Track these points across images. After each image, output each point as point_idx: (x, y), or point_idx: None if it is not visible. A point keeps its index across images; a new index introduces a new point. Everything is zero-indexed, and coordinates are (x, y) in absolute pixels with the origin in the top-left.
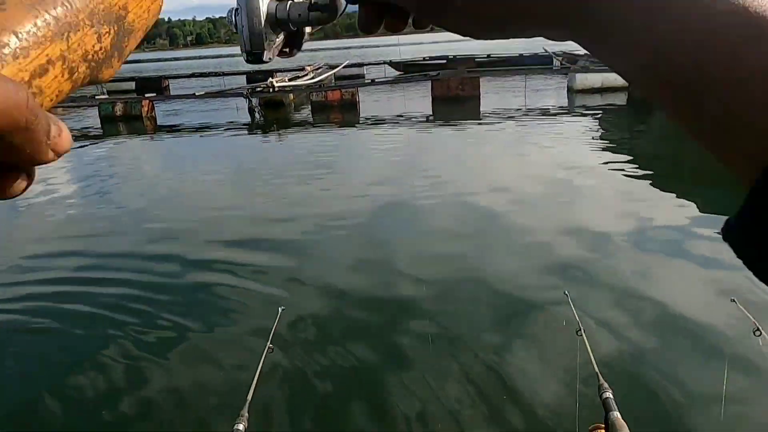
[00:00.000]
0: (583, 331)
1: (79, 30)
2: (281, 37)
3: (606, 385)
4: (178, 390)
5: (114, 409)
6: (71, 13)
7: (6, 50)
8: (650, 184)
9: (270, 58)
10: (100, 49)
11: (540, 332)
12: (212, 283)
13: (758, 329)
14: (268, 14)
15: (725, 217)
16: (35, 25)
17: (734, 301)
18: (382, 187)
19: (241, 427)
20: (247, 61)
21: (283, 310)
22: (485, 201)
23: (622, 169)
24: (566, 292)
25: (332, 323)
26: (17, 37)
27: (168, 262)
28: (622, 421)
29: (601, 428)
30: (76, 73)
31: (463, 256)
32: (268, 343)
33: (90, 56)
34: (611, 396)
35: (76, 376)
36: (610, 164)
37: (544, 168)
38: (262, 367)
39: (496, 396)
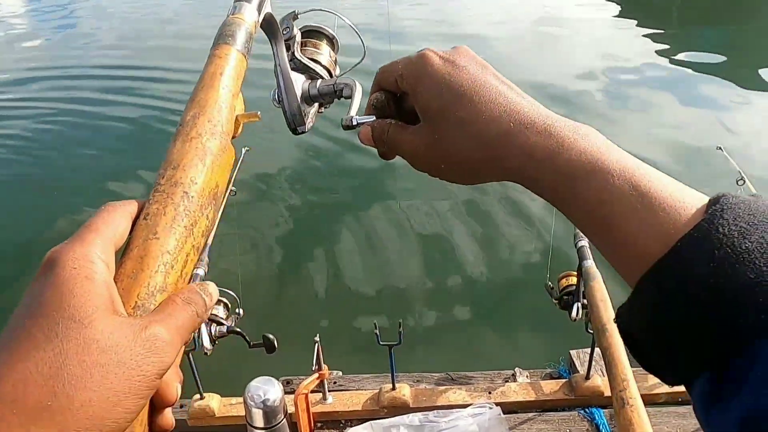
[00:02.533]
0: None
1: (197, 223)
2: (315, 107)
3: (581, 233)
4: None
5: None
6: (191, 216)
7: (167, 265)
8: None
9: (308, 129)
10: (209, 221)
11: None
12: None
13: (742, 178)
14: (302, 94)
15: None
16: (176, 239)
17: (720, 149)
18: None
19: (200, 271)
20: (293, 133)
21: (246, 151)
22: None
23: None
24: None
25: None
26: (170, 254)
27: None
28: (596, 269)
29: (572, 275)
30: (200, 247)
31: None
32: (230, 185)
33: (205, 231)
34: (586, 244)
35: None
36: None
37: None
38: (223, 210)
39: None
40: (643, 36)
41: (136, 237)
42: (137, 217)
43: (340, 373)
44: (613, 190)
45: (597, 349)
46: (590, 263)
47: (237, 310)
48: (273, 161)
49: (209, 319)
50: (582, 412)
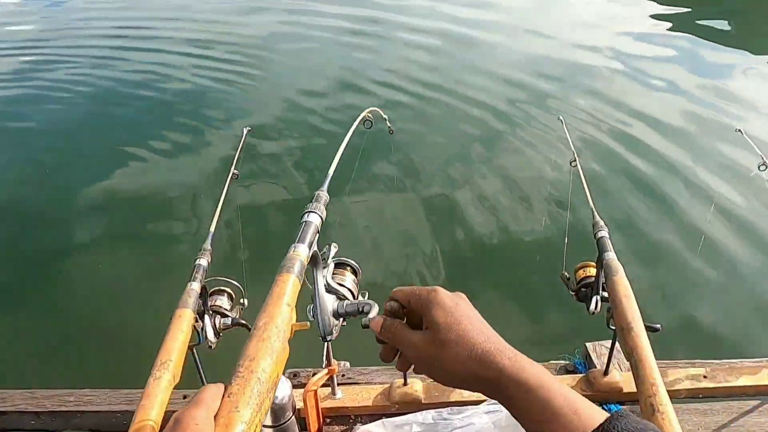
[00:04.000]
0: (578, 161)
1: (264, 402)
2: (340, 321)
3: (602, 223)
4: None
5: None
6: (260, 397)
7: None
8: None
9: (334, 337)
10: (270, 401)
11: (532, 158)
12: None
13: (764, 163)
14: (332, 311)
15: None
16: (250, 412)
17: (740, 131)
18: None
19: (203, 261)
20: (322, 341)
21: (249, 131)
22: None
23: None
24: (560, 118)
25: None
26: (245, 423)
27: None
28: (618, 262)
29: (590, 266)
30: (263, 420)
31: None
32: (233, 168)
33: (266, 409)
34: (606, 235)
35: None
36: None
37: None
38: (225, 195)
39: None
40: (656, 14)
41: (223, 409)
42: (224, 393)
43: (348, 365)
44: (551, 399)
45: (616, 344)
46: (612, 255)
47: (242, 301)
48: (278, 148)
49: (213, 311)
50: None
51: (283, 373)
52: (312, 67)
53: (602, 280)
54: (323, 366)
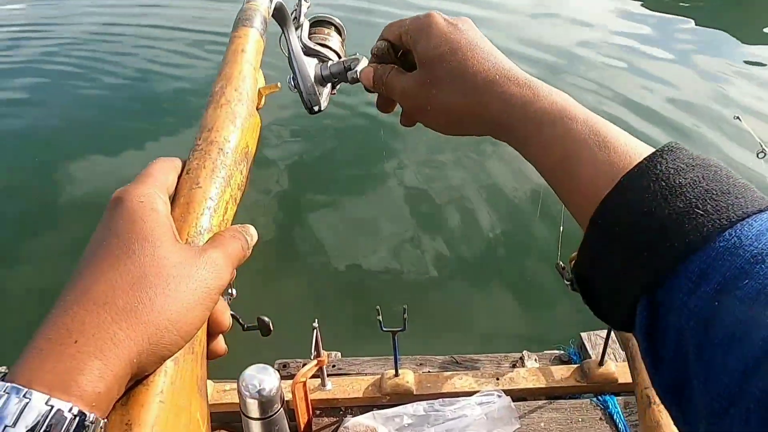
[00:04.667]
0: None
1: (233, 176)
2: (328, 87)
3: None
4: None
5: None
6: (228, 170)
7: (211, 209)
8: None
9: (323, 107)
10: (243, 177)
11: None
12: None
13: (762, 150)
14: (315, 76)
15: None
16: (216, 187)
17: (738, 118)
18: None
19: None
20: (309, 113)
21: None
22: None
23: None
24: None
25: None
26: (212, 200)
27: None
28: None
29: None
30: (237, 199)
31: None
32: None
33: (240, 185)
34: None
35: None
36: None
37: None
38: None
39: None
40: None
41: (182, 187)
42: (181, 173)
43: (339, 355)
44: (576, 135)
45: (611, 334)
46: None
47: (230, 291)
48: (267, 135)
49: None
50: (595, 399)
51: (272, 365)
52: None
53: None
54: (312, 357)
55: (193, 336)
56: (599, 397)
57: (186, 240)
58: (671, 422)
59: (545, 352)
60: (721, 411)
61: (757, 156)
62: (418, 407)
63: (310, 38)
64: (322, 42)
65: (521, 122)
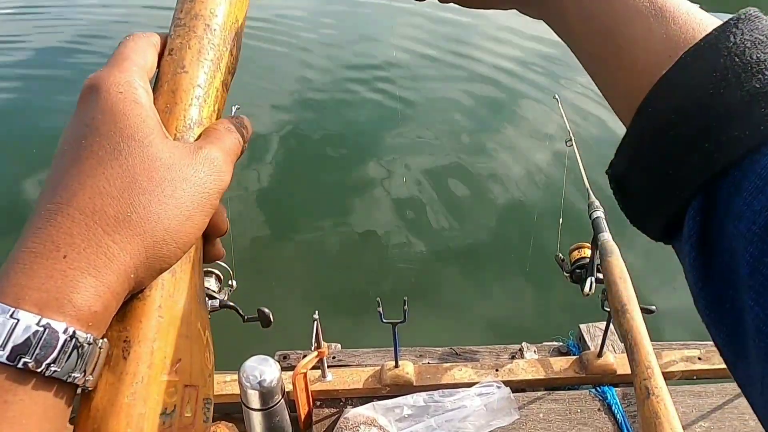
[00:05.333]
0: (573, 141)
1: (223, 58)
2: None
3: (597, 203)
4: None
5: None
6: (216, 50)
7: (200, 99)
8: None
9: None
10: (233, 58)
11: (527, 138)
12: None
13: None
14: None
15: None
16: (204, 72)
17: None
18: None
19: None
20: None
21: (237, 108)
22: None
23: None
24: (556, 96)
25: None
26: (201, 87)
27: None
28: (613, 243)
29: (585, 247)
30: (228, 84)
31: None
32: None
33: (230, 67)
34: (602, 215)
35: None
36: None
37: None
38: None
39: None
40: None
41: (164, 72)
42: (161, 53)
43: (339, 346)
44: (626, 1)
45: (610, 326)
46: (607, 236)
47: (230, 283)
48: (265, 122)
49: None
50: (593, 390)
51: (273, 356)
52: (298, 45)
53: (597, 261)
54: (313, 348)
55: (192, 245)
56: (598, 388)
57: (174, 135)
58: (669, 413)
59: (544, 343)
60: None
61: None
62: (418, 398)
63: None
64: None
65: None
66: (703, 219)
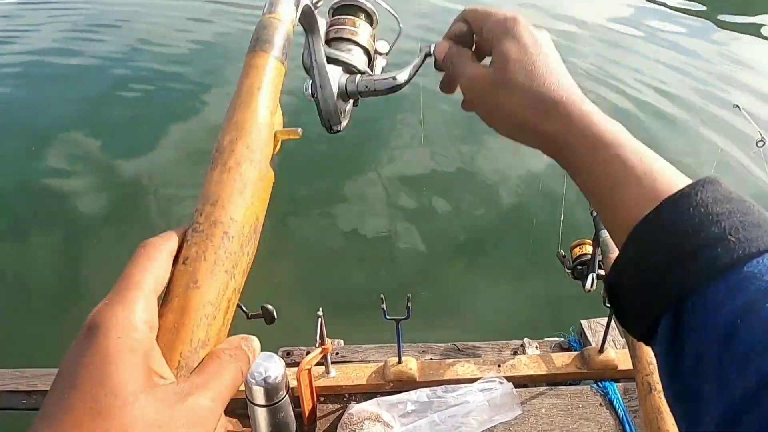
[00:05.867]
0: None
1: (239, 263)
2: (350, 104)
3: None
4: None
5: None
6: (233, 258)
7: (209, 317)
8: None
9: (343, 127)
10: (249, 258)
11: None
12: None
13: (762, 139)
14: (339, 91)
15: None
16: (217, 286)
17: (738, 107)
18: None
19: None
20: (328, 132)
21: None
22: None
23: None
24: None
25: None
26: (212, 305)
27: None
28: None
29: (587, 244)
30: (240, 288)
31: None
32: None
33: (245, 270)
34: None
35: None
36: None
37: None
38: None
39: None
40: None
41: (176, 284)
42: (177, 257)
43: (342, 342)
44: (625, 160)
45: (611, 321)
46: (607, 234)
47: None
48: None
49: None
50: (594, 386)
51: (276, 352)
52: None
53: (598, 257)
54: (317, 345)
55: None
56: (599, 384)
57: (178, 362)
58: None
59: (546, 339)
60: (735, 418)
61: (756, 145)
62: (421, 394)
63: (335, 27)
64: (350, 37)
65: (577, 144)
66: (674, 327)
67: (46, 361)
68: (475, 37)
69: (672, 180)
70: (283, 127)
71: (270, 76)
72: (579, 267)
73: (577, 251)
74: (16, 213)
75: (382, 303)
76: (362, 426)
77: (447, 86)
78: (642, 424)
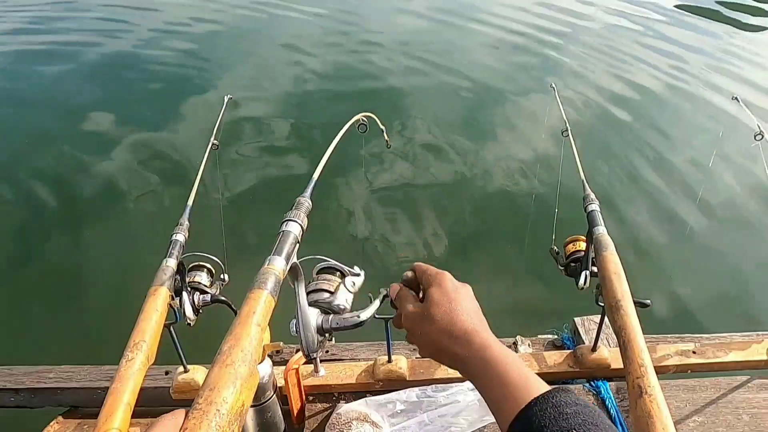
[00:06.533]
0: (570, 132)
1: None
2: (326, 336)
3: (593, 196)
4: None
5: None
6: (221, 429)
7: None
8: None
9: (317, 354)
10: None
11: (522, 129)
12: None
13: (760, 132)
14: (317, 327)
15: None
16: None
17: (736, 99)
18: None
19: (180, 237)
20: (306, 359)
21: (230, 98)
22: None
23: None
24: (552, 86)
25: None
26: None
27: None
28: (608, 237)
29: (580, 240)
30: None
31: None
32: (212, 138)
33: None
34: (597, 209)
35: None
36: None
37: None
38: (204, 167)
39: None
40: None
41: None
42: (181, 428)
43: (332, 341)
44: (508, 374)
45: (605, 320)
46: (602, 230)
47: (222, 276)
48: (258, 114)
49: (192, 288)
50: (587, 385)
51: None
52: (293, 35)
53: (592, 255)
54: None
55: None
56: (592, 383)
57: None
58: (662, 413)
59: (539, 336)
60: None
61: (755, 138)
62: (411, 393)
63: (317, 282)
64: (326, 288)
65: (476, 364)
66: None
67: (35, 359)
68: (419, 283)
69: (537, 388)
70: (271, 341)
71: (262, 305)
72: (572, 264)
73: (571, 248)
74: None
75: (371, 302)
76: (350, 426)
77: (397, 322)
78: (632, 428)
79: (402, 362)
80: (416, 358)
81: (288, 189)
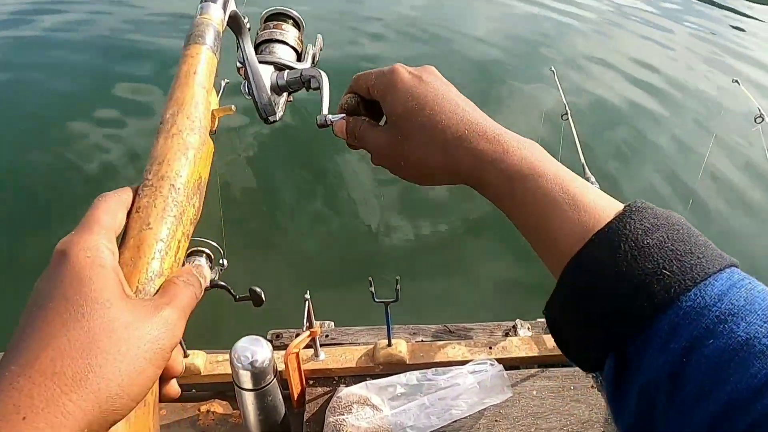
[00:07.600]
0: (570, 115)
1: (186, 212)
2: (284, 96)
3: (593, 179)
4: None
5: None
6: (180, 207)
7: (162, 252)
8: None
9: (279, 117)
10: (196, 210)
11: (521, 112)
12: None
13: (761, 115)
14: (271, 85)
15: None
16: (168, 228)
17: (737, 82)
18: None
19: None
20: (265, 123)
21: (227, 83)
22: None
23: None
24: (552, 68)
25: None
26: (163, 242)
27: None
28: None
29: None
30: (189, 234)
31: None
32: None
33: (192, 219)
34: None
35: None
36: None
37: None
38: None
39: None
40: None
41: (131, 228)
42: (130, 209)
43: (332, 324)
44: (546, 192)
45: None
46: None
47: (221, 262)
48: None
49: None
50: None
51: (266, 335)
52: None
53: None
54: (305, 329)
55: (145, 395)
56: None
57: (136, 287)
58: None
59: (538, 320)
60: None
61: (755, 121)
62: (411, 376)
63: (266, 31)
64: (278, 38)
65: (492, 178)
66: (618, 368)
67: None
68: (367, 102)
69: (599, 210)
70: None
71: (204, 63)
72: None
73: None
74: None
75: (371, 286)
76: (351, 409)
77: (353, 147)
78: None
79: (402, 346)
80: (416, 342)
81: (284, 177)
